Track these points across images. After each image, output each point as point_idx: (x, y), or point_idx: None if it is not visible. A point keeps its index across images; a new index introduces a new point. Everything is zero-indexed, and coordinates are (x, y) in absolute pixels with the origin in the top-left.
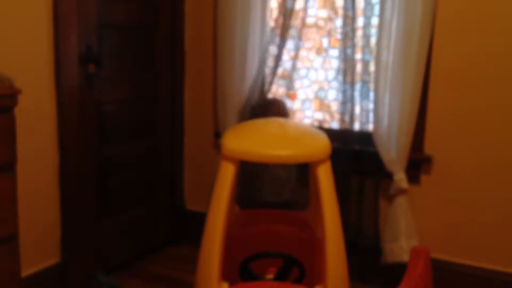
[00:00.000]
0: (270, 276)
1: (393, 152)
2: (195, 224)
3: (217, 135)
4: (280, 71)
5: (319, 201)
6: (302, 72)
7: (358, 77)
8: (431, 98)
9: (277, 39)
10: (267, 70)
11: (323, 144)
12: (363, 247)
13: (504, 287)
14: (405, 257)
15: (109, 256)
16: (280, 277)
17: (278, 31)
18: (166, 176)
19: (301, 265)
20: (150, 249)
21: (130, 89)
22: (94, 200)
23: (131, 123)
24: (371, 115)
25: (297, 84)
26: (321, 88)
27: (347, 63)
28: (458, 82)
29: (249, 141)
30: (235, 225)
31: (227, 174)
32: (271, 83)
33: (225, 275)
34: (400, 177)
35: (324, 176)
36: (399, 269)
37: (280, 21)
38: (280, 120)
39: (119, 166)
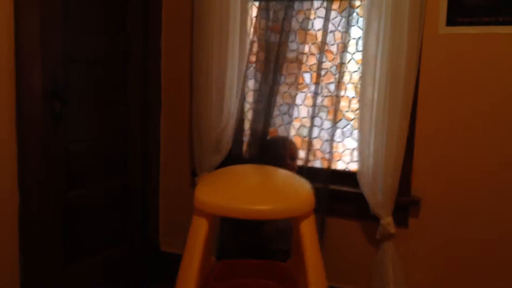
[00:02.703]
0: None
1: (379, 195)
2: (170, 266)
3: (194, 174)
4: (260, 106)
5: (302, 258)
6: (283, 108)
7: (341, 115)
8: (418, 138)
9: (257, 74)
10: (247, 106)
11: (307, 197)
12: None
13: None
14: None
15: None
16: None
17: (257, 66)
18: (139, 217)
19: None
20: None
21: (100, 127)
22: (59, 247)
23: (100, 163)
24: (355, 154)
25: (278, 120)
26: (302, 125)
27: (330, 99)
28: (446, 122)
29: (225, 194)
30: (210, 277)
31: (199, 231)
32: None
33: None
34: (387, 221)
35: (308, 232)
36: None
37: (261, 55)
38: (261, 167)
39: (87, 208)
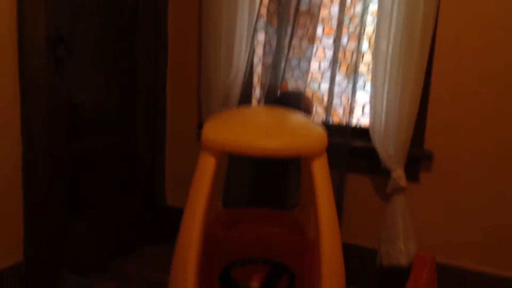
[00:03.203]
0: (255, 284)
1: (391, 148)
2: (177, 222)
3: (201, 127)
4: (268, 60)
5: (314, 199)
6: (294, 62)
7: (353, 68)
8: (433, 92)
9: (268, 27)
10: (256, 59)
11: (319, 135)
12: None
13: None
14: (403, 260)
15: (81, 256)
16: (267, 285)
17: (268, 18)
18: (146, 171)
19: (291, 272)
20: (128, 249)
21: (105, 78)
22: (64, 197)
23: (107, 115)
24: (367, 109)
25: (288, 74)
26: (313, 79)
27: (342, 53)
28: (463, 75)
29: (233, 130)
30: (216, 225)
31: (206, 168)
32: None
33: (203, 283)
34: (398, 175)
35: (320, 172)
36: (396, 273)
37: (272, 7)
38: (270, 108)
39: (93, 160)
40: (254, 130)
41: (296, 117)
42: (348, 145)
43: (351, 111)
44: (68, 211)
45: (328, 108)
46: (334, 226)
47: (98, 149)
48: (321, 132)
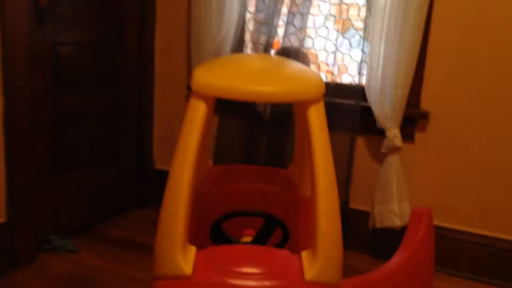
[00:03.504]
0: (247, 239)
1: (387, 107)
2: (164, 184)
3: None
4: (261, 16)
5: (310, 149)
6: (288, 17)
7: (349, 24)
8: (431, 50)
9: None
10: (248, 15)
11: (316, 81)
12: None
13: (501, 255)
14: (396, 222)
15: (66, 217)
16: (259, 240)
17: None
18: (133, 132)
19: (284, 226)
20: (113, 211)
21: (91, 30)
22: (47, 156)
23: (92, 70)
24: (362, 67)
25: (280, 31)
26: (308, 36)
27: (337, 7)
28: (461, 32)
29: (226, 75)
30: (206, 181)
31: (196, 114)
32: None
33: (192, 240)
34: (394, 134)
35: (317, 119)
36: (389, 235)
37: None
38: (265, 55)
39: (78, 118)
40: (248, 75)
41: (292, 63)
42: (358, 106)
43: (346, 68)
44: (51, 170)
45: (322, 66)
46: (331, 178)
47: (82, 105)
48: (319, 78)
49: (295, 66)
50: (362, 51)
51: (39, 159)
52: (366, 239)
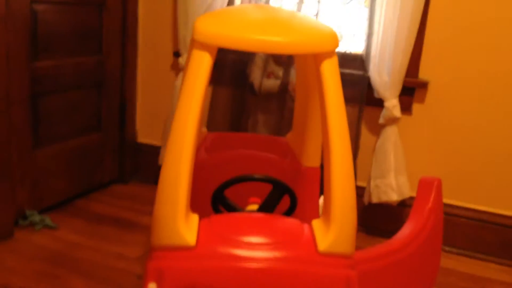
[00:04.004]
0: (253, 207)
1: (386, 75)
2: (147, 159)
3: (178, 54)
4: None
5: (323, 110)
6: None
7: None
8: (431, 16)
9: None
10: None
11: (330, 32)
12: None
13: (496, 230)
14: (393, 196)
15: (45, 192)
16: (266, 208)
17: None
18: (115, 102)
19: (293, 193)
20: (94, 186)
21: None
22: (25, 125)
23: (72, 33)
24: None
25: None
26: (300, 1)
27: None
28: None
29: (232, 24)
30: (201, 149)
31: (200, 66)
32: None
33: (194, 208)
34: (393, 104)
35: (331, 76)
36: (384, 211)
37: None
38: (272, 6)
39: (56, 84)
40: (257, 24)
41: (301, 15)
42: (366, 76)
43: (342, 36)
44: (29, 141)
45: None
46: (345, 140)
47: (62, 70)
48: (332, 30)
49: (305, 17)
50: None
51: (15, 128)
52: (360, 215)
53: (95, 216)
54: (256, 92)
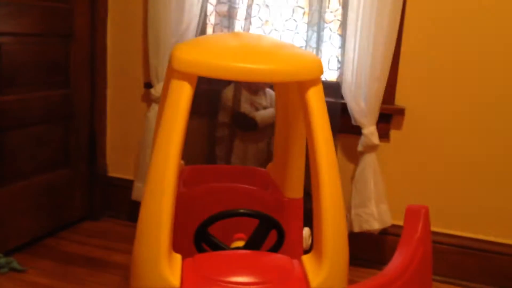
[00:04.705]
0: (238, 244)
1: (363, 102)
2: (119, 194)
3: (149, 85)
4: (224, 8)
5: (310, 139)
6: (252, 9)
7: (318, 17)
8: (405, 42)
9: None
10: (210, 8)
11: (315, 59)
12: None
13: (479, 257)
14: (375, 225)
15: (9, 233)
16: (253, 244)
17: None
18: (84, 135)
19: (281, 228)
20: (64, 224)
21: (37, 21)
22: None
23: (37, 66)
24: (333, 62)
25: (246, 24)
26: (274, 30)
27: None
28: (435, 23)
29: (213, 51)
30: (179, 183)
31: (181, 96)
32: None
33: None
34: (371, 131)
35: (317, 103)
36: (367, 239)
37: None
38: (249, 33)
39: (21, 119)
40: (239, 52)
41: (283, 42)
42: (338, 103)
43: None
44: None
45: None
46: (334, 169)
47: (27, 104)
48: (316, 57)
49: (286, 44)
50: (333, 45)
51: None
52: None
53: (65, 256)
54: (258, 126)
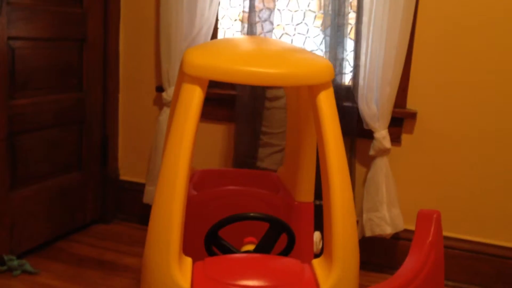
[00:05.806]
0: (249, 247)
1: (375, 106)
2: (130, 197)
3: (161, 89)
4: (235, 12)
5: (321, 143)
6: (263, 13)
7: (330, 20)
8: (417, 46)
9: None
10: (222, 12)
11: (326, 63)
12: None
13: (491, 262)
14: (387, 229)
15: (22, 235)
16: (263, 248)
17: None
18: (96, 139)
19: (291, 231)
20: (76, 227)
21: (50, 26)
22: (0, 166)
23: (51, 70)
24: (345, 65)
25: (258, 28)
26: (285, 34)
27: (318, 2)
28: (447, 27)
29: (223, 56)
30: (189, 186)
31: (192, 100)
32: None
33: (185, 248)
34: (383, 135)
35: (328, 107)
36: (379, 243)
37: None
38: (260, 36)
39: (35, 123)
40: (250, 56)
41: (294, 46)
42: (355, 107)
43: None
44: (6, 182)
45: None
46: (344, 174)
47: (40, 108)
48: (327, 61)
49: (297, 48)
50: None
51: None
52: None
53: (77, 258)
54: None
